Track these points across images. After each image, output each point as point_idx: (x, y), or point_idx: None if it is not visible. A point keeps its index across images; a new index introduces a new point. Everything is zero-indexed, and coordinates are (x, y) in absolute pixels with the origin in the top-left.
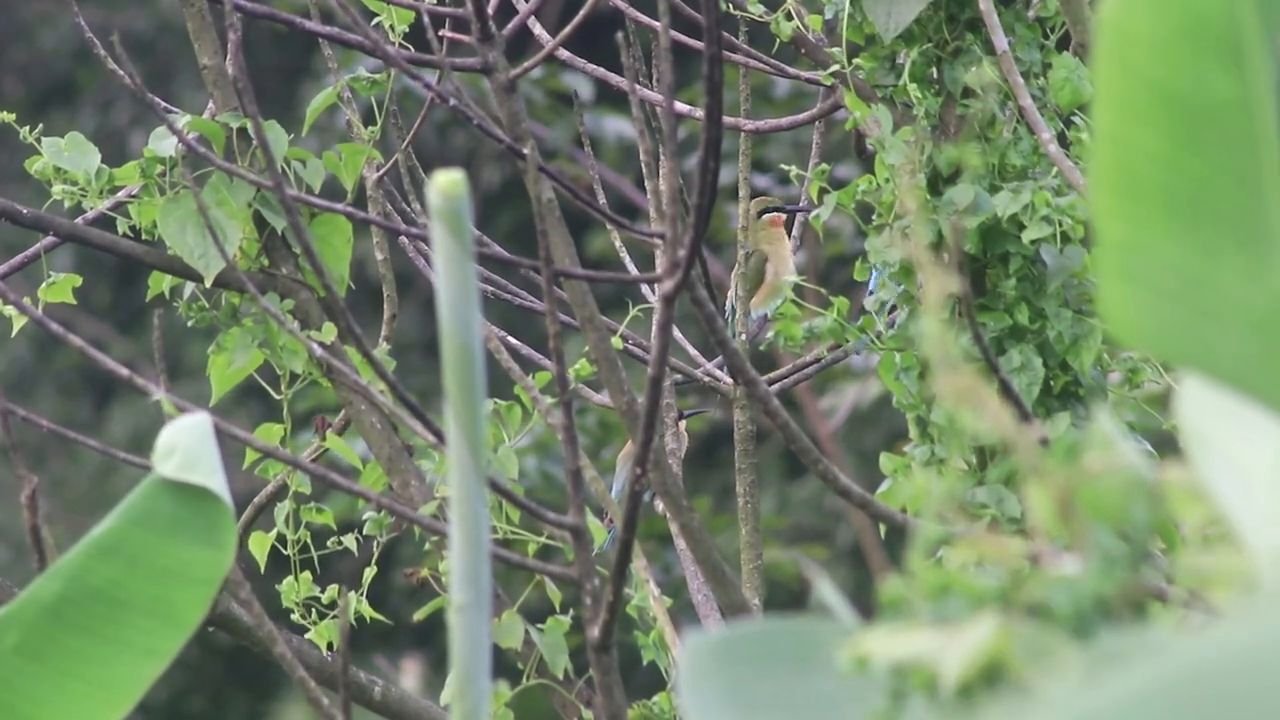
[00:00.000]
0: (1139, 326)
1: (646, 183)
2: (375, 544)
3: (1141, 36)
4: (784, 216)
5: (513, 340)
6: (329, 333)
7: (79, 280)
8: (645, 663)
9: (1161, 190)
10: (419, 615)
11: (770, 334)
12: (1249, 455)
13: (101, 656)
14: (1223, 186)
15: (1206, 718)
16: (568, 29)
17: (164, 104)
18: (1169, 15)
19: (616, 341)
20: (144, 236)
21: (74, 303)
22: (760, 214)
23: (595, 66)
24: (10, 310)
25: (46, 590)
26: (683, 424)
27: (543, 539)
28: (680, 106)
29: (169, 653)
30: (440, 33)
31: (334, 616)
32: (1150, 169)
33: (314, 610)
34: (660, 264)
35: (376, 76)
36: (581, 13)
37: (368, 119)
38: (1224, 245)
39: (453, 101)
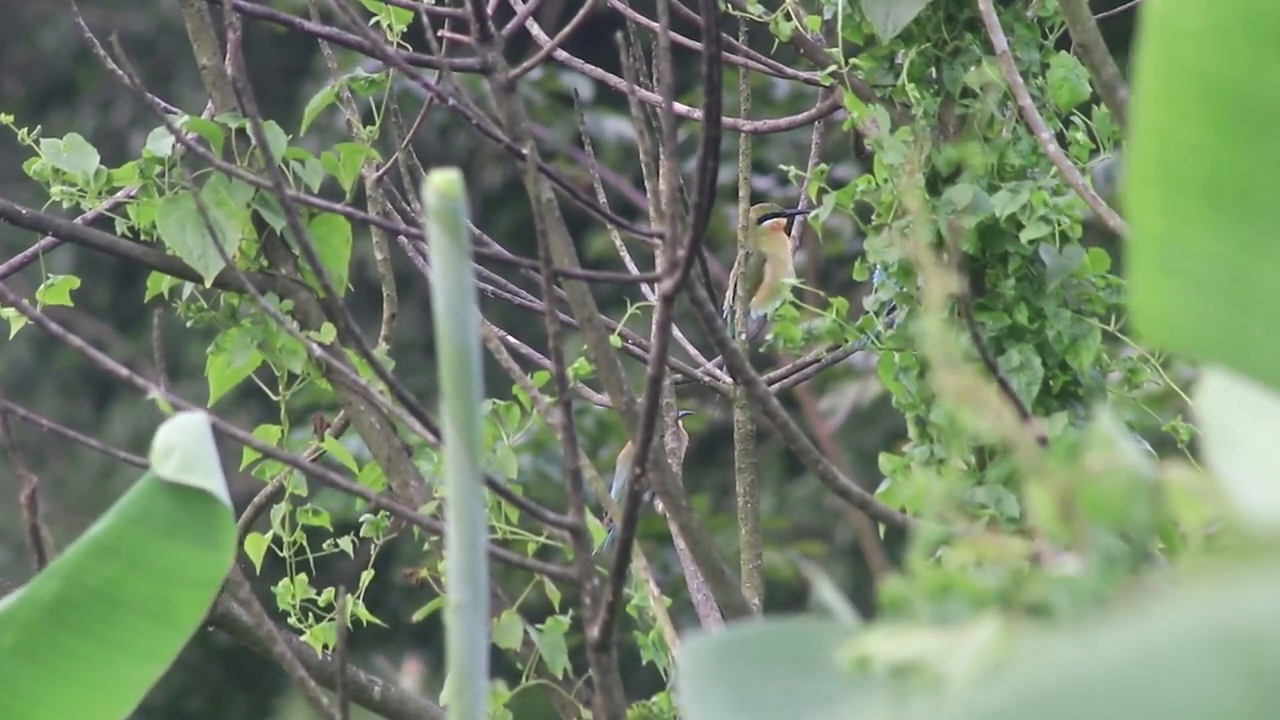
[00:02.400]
0: (1171, 321)
1: (646, 183)
2: (373, 546)
3: (1191, 29)
4: (784, 220)
5: (512, 340)
6: (328, 333)
7: (77, 282)
8: (644, 662)
9: (1205, 183)
10: (417, 616)
11: (769, 335)
12: (1273, 452)
13: (99, 658)
14: (1271, 179)
15: None
16: (567, 29)
17: (164, 104)
18: (1220, 6)
19: (615, 340)
20: (143, 237)
21: (71, 304)
22: (761, 220)
23: (594, 67)
24: (9, 311)
25: (44, 590)
26: (681, 423)
27: (542, 539)
28: (679, 107)
29: (168, 655)
30: (439, 33)
31: (330, 618)
32: (1194, 162)
33: (310, 613)
34: (660, 263)
35: (375, 77)
36: (580, 13)
37: (367, 119)
38: (1268, 239)
39: (452, 101)
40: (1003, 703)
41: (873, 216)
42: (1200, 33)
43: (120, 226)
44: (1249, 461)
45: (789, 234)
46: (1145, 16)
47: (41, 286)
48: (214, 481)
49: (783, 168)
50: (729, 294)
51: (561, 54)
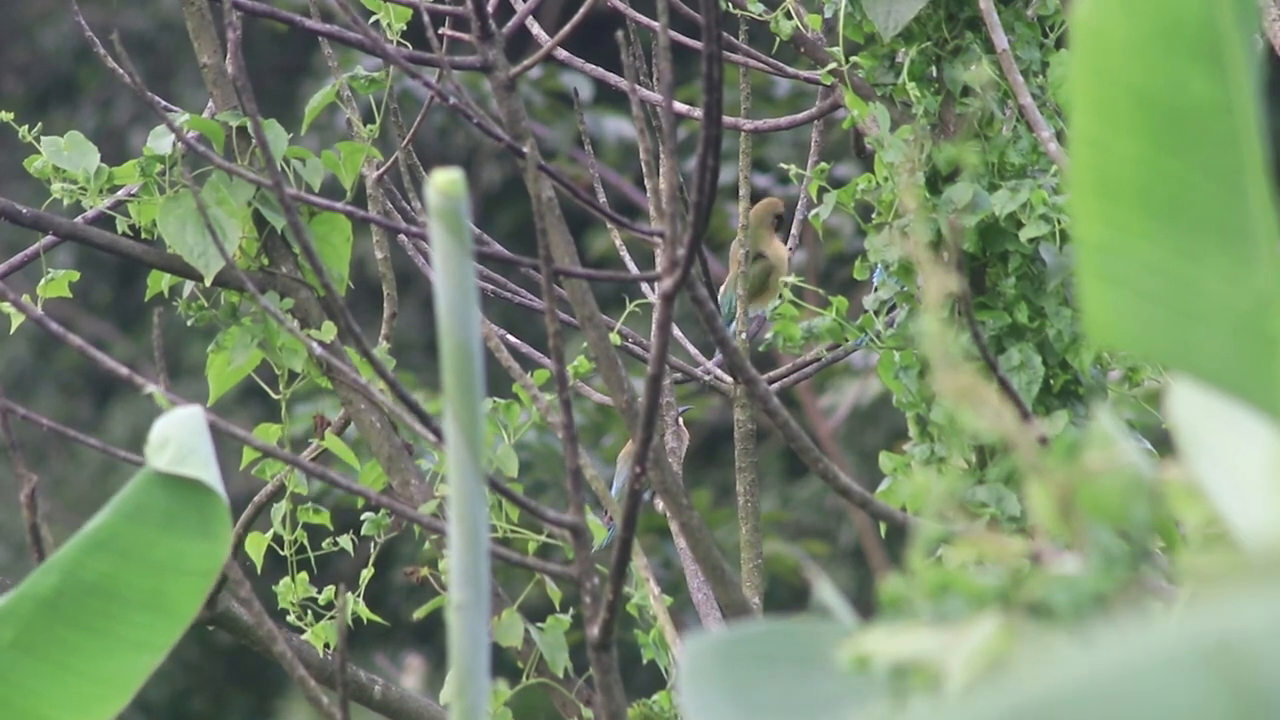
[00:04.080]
0: (1120, 328)
1: (646, 182)
2: (373, 544)
3: (1116, 40)
4: (777, 221)
5: (512, 338)
6: (328, 332)
7: (76, 275)
8: (645, 661)
9: (1140, 192)
10: (418, 614)
11: (769, 334)
12: (1239, 455)
13: (96, 650)
14: (1202, 187)
15: None
16: (567, 28)
17: (164, 103)
18: (1144, 18)
19: (615, 338)
20: (144, 235)
21: (71, 296)
22: (775, 219)
23: (594, 66)
24: (9, 308)
25: (42, 584)
26: (681, 421)
27: (542, 537)
28: (680, 106)
29: (164, 646)
30: (440, 31)
31: (331, 617)
32: (1128, 171)
33: (310, 611)
34: (660, 262)
35: (375, 75)
36: (580, 12)
37: (367, 118)
38: (1205, 246)
39: (452, 100)
40: (997, 710)
41: (873, 215)
42: (1125, 43)
43: (121, 225)
44: (1217, 463)
45: (788, 233)
46: (1073, 27)
47: (42, 282)
48: (208, 472)
49: (783, 166)
50: (724, 286)
51: (562, 53)
